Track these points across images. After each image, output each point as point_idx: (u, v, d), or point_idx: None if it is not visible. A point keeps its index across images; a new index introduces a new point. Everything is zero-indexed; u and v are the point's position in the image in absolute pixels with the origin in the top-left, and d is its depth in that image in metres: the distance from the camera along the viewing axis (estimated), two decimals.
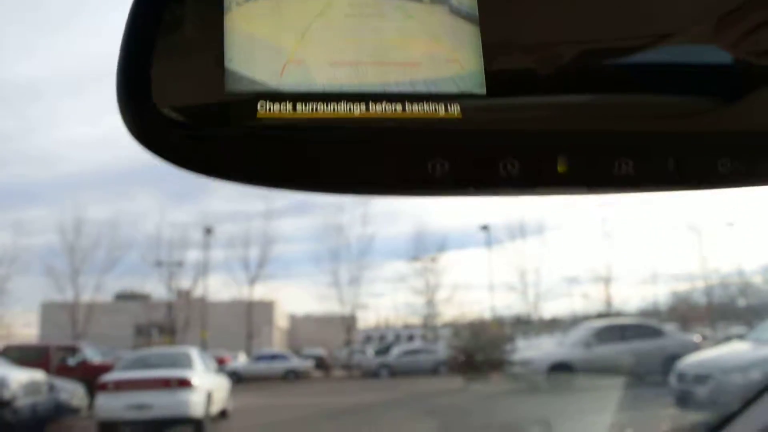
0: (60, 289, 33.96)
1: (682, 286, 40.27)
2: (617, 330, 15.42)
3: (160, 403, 9.32)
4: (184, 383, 9.57)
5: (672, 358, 11.24)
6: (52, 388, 10.69)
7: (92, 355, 17.45)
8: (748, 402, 1.38)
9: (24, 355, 13.87)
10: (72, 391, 11.58)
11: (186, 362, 10.36)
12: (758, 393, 1.35)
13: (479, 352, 17.74)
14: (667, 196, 0.53)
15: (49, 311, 35.80)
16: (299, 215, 59.54)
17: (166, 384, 9.53)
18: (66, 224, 33.81)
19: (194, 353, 11.04)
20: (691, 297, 38.50)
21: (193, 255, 38.46)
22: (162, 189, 50.66)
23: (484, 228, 36.73)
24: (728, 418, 1.43)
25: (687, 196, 0.54)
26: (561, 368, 13.83)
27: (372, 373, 25.68)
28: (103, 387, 9.80)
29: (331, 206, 48.46)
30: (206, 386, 10.01)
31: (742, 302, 35.96)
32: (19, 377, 9.84)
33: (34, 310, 37.94)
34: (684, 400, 8.55)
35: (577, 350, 14.37)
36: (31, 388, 9.86)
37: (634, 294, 60.91)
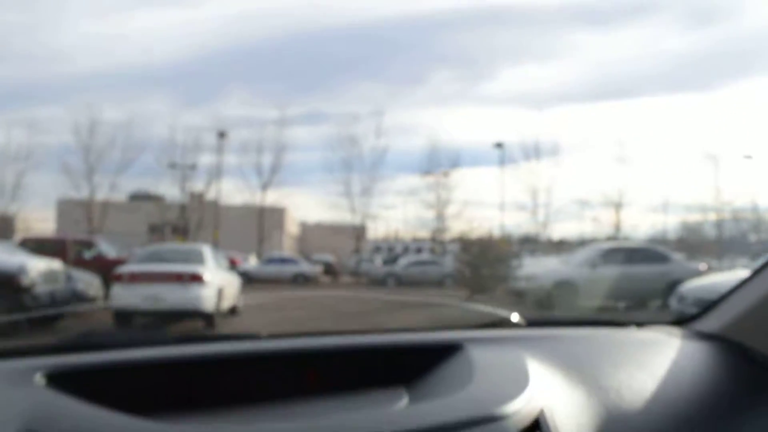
0: (76, 186, 34.42)
1: (693, 217, 40.00)
2: (623, 252, 15.49)
3: (172, 296, 9.59)
4: (196, 278, 9.80)
5: (675, 283, 11.27)
6: (69, 277, 10.98)
7: (107, 250, 17.85)
8: (738, 285, 1.44)
9: (42, 247, 14.13)
10: (88, 282, 11.90)
11: (199, 258, 10.55)
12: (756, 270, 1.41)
13: (486, 266, 17.99)
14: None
15: (65, 208, 36.37)
16: (314, 124, 59.25)
17: (179, 278, 9.76)
18: (81, 124, 33.80)
19: (207, 250, 11.22)
20: (701, 228, 38.38)
21: (206, 158, 38.54)
22: (176, 91, 50.32)
23: (499, 145, 36.47)
24: (716, 302, 1.50)
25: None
26: (565, 285, 14.03)
27: (379, 282, 26.24)
28: (118, 278, 10.08)
29: (346, 116, 48.00)
30: (218, 282, 10.25)
31: (752, 237, 35.86)
32: (38, 265, 10.08)
33: (51, 207, 38.58)
34: None
35: (582, 269, 14.50)
36: (50, 276, 10.13)
37: (644, 221, 60.87)
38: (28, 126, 40.17)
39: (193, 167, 35.33)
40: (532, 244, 35.52)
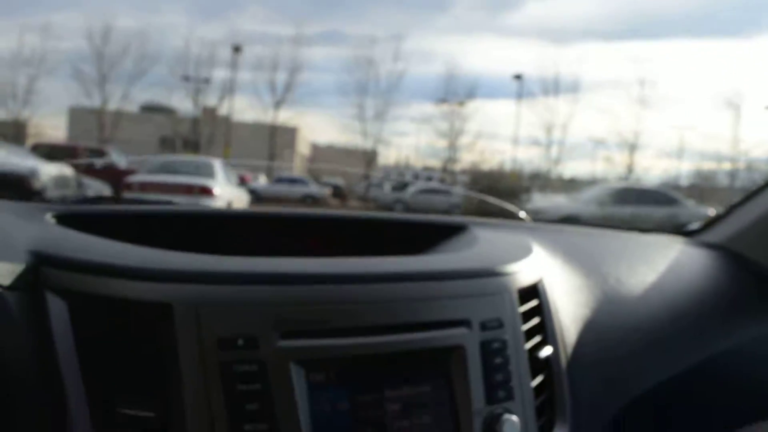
0: (88, 94, 34.18)
1: (708, 165, 39.48)
2: (633, 193, 15.46)
3: None
4: (205, 191, 9.87)
5: (682, 226, 11.28)
6: (80, 184, 11.08)
7: (118, 159, 17.95)
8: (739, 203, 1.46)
9: (53, 153, 14.21)
10: (99, 190, 12.01)
11: (209, 172, 10.59)
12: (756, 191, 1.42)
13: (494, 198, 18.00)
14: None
15: (77, 115, 36.23)
16: (331, 44, 57.99)
17: (189, 190, 9.82)
18: (95, 30, 33.23)
19: (217, 164, 11.23)
20: (714, 176, 37.99)
21: (220, 73, 38.11)
22: (193, 2, 49.14)
23: (518, 77, 35.78)
24: (720, 216, 1.52)
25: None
26: (571, 221, 14.04)
27: (387, 207, 26.36)
28: (128, 187, 10.17)
29: (365, 38, 47.07)
30: (227, 197, 10.31)
31: None
32: (50, 170, 10.16)
33: (63, 114, 38.46)
34: None
35: (589, 207, 14.49)
36: (61, 181, 10.21)
37: (658, 165, 60.29)
38: (41, 31, 39.68)
39: (206, 81, 35.01)
40: (542, 180, 35.39)
